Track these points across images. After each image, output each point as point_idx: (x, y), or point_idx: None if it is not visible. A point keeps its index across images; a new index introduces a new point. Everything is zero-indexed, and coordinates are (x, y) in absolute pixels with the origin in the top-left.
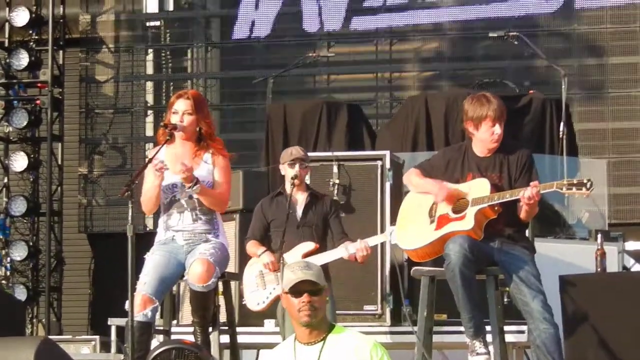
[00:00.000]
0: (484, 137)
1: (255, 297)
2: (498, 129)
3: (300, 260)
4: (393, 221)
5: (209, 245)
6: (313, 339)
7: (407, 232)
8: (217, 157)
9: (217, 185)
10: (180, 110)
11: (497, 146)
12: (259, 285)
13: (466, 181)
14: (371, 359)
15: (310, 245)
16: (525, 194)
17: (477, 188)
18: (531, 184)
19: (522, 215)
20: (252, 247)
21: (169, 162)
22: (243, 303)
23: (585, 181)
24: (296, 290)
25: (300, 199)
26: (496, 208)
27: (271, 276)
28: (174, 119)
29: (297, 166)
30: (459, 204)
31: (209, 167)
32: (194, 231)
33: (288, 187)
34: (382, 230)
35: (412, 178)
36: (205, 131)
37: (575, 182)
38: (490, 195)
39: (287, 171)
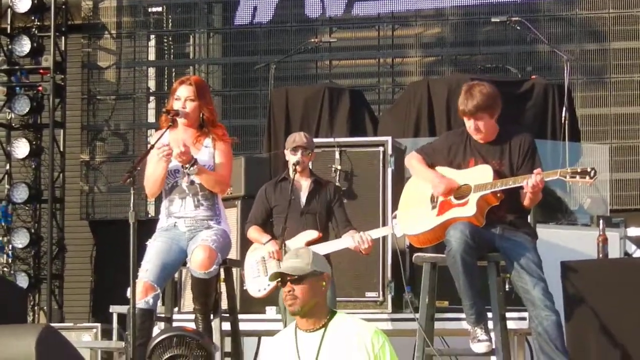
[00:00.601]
0: (467, 128)
1: (257, 283)
2: (472, 125)
3: (296, 248)
4: (395, 207)
5: (211, 232)
6: (312, 326)
7: (408, 217)
8: (217, 141)
9: (217, 167)
10: (183, 96)
11: (482, 138)
12: (260, 272)
13: (468, 167)
14: (372, 345)
15: (313, 234)
16: (529, 182)
17: (480, 174)
18: (535, 171)
19: (526, 202)
20: (255, 233)
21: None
22: (244, 289)
23: (588, 169)
24: (282, 279)
25: (304, 185)
26: (498, 195)
27: (273, 263)
28: (177, 105)
29: (299, 153)
30: (461, 190)
31: (210, 150)
32: (196, 218)
33: (291, 172)
34: (384, 216)
35: (413, 162)
36: (207, 117)
37: (578, 170)
38: (492, 182)
39: (290, 157)
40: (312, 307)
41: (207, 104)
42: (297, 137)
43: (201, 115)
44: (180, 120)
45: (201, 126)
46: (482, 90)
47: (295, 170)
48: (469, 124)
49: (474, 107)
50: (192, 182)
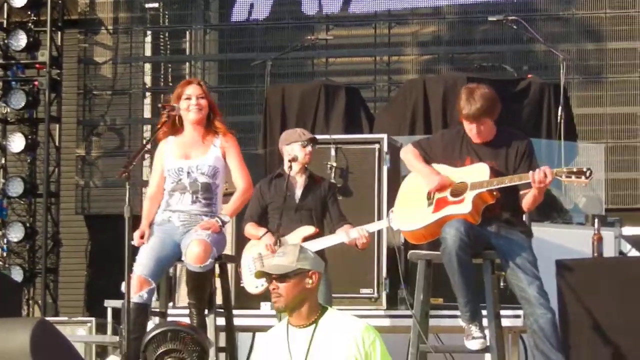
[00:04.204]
0: (467, 130)
1: (254, 280)
2: (474, 129)
3: (286, 245)
4: (390, 205)
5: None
6: (302, 322)
7: (404, 213)
8: (227, 142)
9: (235, 168)
10: (194, 94)
11: (481, 139)
12: (257, 269)
13: (465, 165)
14: (362, 341)
15: (310, 229)
16: (536, 176)
17: (477, 172)
18: (542, 168)
19: (527, 204)
20: (251, 229)
21: (177, 150)
22: (241, 285)
23: (584, 169)
24: (268, 277)
25: (299, 181)
26: (494, 193)
27: (269, 259)
28: (184, 105)
29: (309, 147)
30: (457, 187)
31: (217, 153)
32: (190, 212)
33: (286, 168)
34: (380, 214)
35: (408, 156)
36: (214, 112)
37: (574, 170)
38: (489, 180)
39: (298, 152)
40: (297, 304)
41: (211, 99)
42: (305, 132)
43: (209, 113)
44: (192, 118)
45: (207, 124)
46: (483, 94)
47: (290, 167)
48: (471, 127)
49: (477, 110)
50: (194, 180)
